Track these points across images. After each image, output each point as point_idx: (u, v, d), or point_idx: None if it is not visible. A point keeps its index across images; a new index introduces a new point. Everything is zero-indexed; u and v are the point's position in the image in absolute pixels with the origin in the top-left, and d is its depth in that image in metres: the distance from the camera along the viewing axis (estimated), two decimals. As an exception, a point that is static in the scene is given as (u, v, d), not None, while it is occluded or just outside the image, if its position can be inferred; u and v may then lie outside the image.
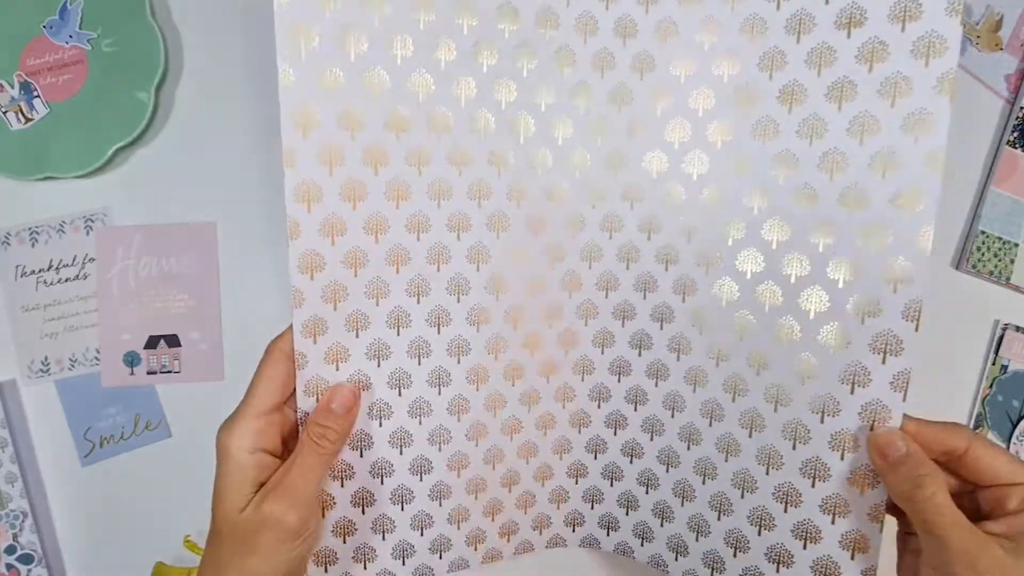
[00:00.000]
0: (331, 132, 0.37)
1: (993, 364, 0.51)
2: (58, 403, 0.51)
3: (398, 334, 0.40)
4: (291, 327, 0.39)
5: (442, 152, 0.39)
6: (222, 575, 0.36)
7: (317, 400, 0.39)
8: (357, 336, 0.40)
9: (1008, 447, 0.50)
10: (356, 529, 0.41)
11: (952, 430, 0.36)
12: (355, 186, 0.38)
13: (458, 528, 0.43)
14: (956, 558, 0.33)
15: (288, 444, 0.39)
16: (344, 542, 0.41)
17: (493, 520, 0.44)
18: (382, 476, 0.41)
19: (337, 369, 0.39)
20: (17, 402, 0.51)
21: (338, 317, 0.39)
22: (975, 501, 0.36)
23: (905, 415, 0.36)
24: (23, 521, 0.50)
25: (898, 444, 0.35)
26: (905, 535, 0.38)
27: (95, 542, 0.52)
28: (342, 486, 0.41)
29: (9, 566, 0.50)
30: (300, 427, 0.39)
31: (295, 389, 0.39)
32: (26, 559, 0.50)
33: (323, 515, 0.40)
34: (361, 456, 0.41)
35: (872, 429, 0.36)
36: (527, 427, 0.44)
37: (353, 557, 0.42)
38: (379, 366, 0.40)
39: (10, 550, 0.50)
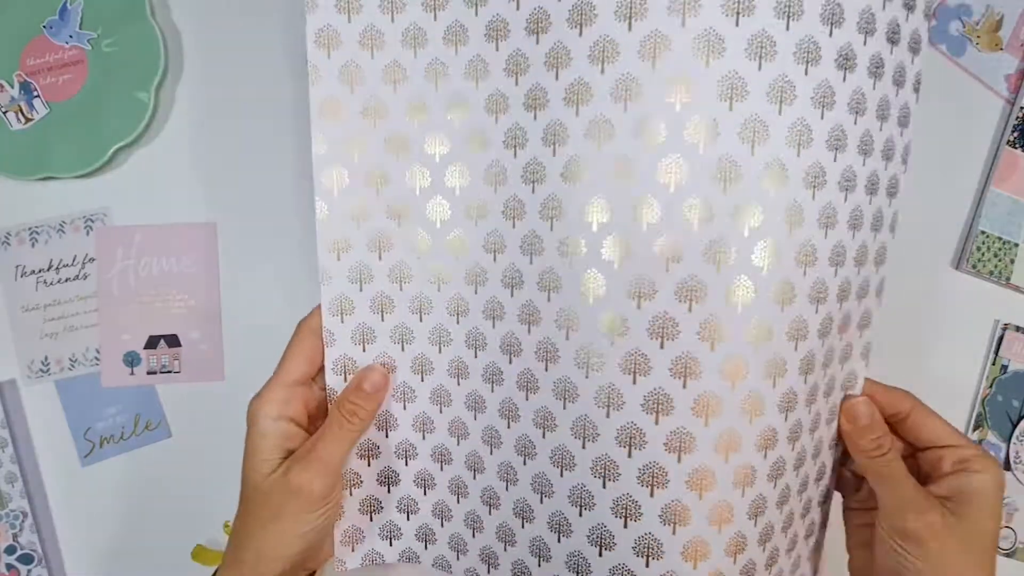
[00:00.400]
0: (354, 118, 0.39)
1: (993, 364, 0.51)
2: (58, 403, 0.51)
3: (420, 320, 0.41)
4: (319, 306, 0.41)
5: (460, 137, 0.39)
6: (250, 539, 0.38)
7: (345, 378, 0.41)
8: (382, 319, 0.41)
9: (1008, 447, 0.50)
10: (382, 507, 0.43)
11: (899, 394, 0.40)
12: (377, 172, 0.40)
13: (472, 536, 0.43)
14: (908, 504, 0.37)
15: (314, 418, 0.41)
16: (371, 519, 0.43)
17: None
18: (406, 458, 0.43)
19: (364, 350, 0.41)
20: (17, 402, 0.51)
21: (363, 298, 0.41)
22: (916, 465, 0.40)
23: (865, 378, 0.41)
24: (23, 521, 0.50)
25: (864, 411, 0.39)
26: (849, 511, 0.43)
27: (95, 542, 0.52)
28: (368, 465, 0.42)
29: (9, 566, 0.50)
30: (329, 403, 0.41)
31: (323, 365, 0.41)
32: (26, 559, 0.50)
33: (350, 492, 0.42)
34: (387, 436, 0.42)
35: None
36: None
37: (379, 534, 0.43)
38: (403, 350, 0.41)
39: (10, 550, 0.50)
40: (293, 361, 0.40)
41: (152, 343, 0.51)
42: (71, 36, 0.50)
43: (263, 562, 0.38)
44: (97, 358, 0.51)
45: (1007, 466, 0.50)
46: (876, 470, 0.39)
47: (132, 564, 0.52)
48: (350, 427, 0.39)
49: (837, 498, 0.43)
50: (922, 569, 0.37)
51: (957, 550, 0.36)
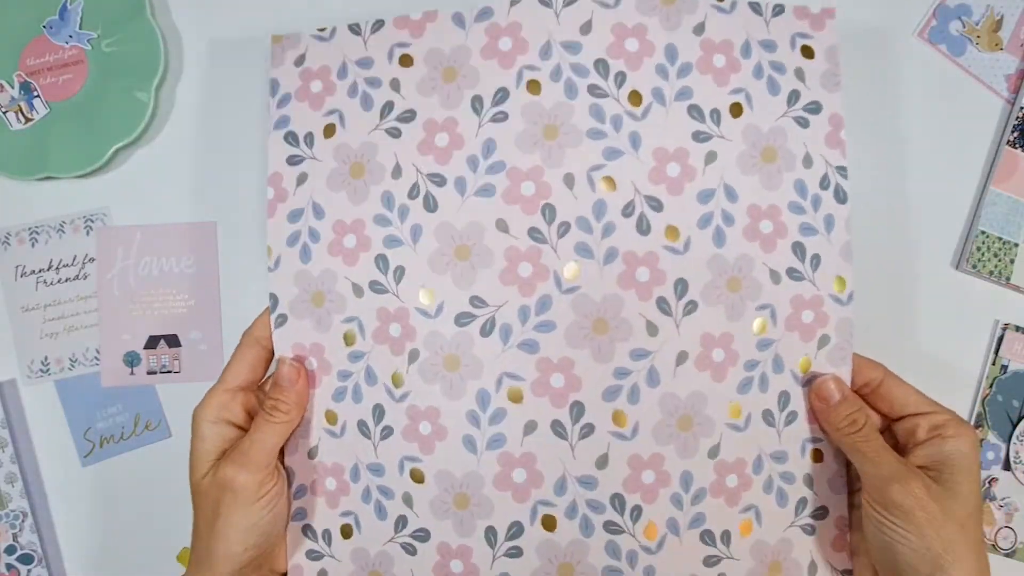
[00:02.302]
0: None
1: (993, 364, 0.51)
2: (58, 403, 0.51)
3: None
4: (261, 316, 0.43)
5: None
6: (201, 541, 0.39)
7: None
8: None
9: (1008, 447, 0.50)
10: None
11: (869, 363, 0.42)
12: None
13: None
14: (890, 477, 0.38)
15: None
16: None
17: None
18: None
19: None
20: (17, 402, 0.51)
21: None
22: (893, 437, 0.41)
23: None
24: (23, 521, 0.50)
25: (834, 388, 0.40)
26: None
27: (95, 542, 0.52)
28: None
29: (9, 566, 0.50)
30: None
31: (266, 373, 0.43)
32: (26, 559, 0.50)
33: (288, 483, 0.43)
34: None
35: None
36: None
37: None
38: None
39: (10, 550, 0.50)
40: (235, 369, 0.42)
41: (152, 343, 0.51)
42: (71, 36, 0.50)
43: (216, 562, 0.39)
44: (97, 358, 0.51)
45: (1007, 466, 0.50)
46: (854, 446, 0.39)
47: (132, 564, 0.52)
48: (274, 420, 0.40)
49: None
50: (912, 540, 0.37)
51: (943, 518, 0.37)
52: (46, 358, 0.51)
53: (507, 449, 0.40)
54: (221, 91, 0.51)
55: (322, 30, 0.43)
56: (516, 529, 0.41)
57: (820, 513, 0.42)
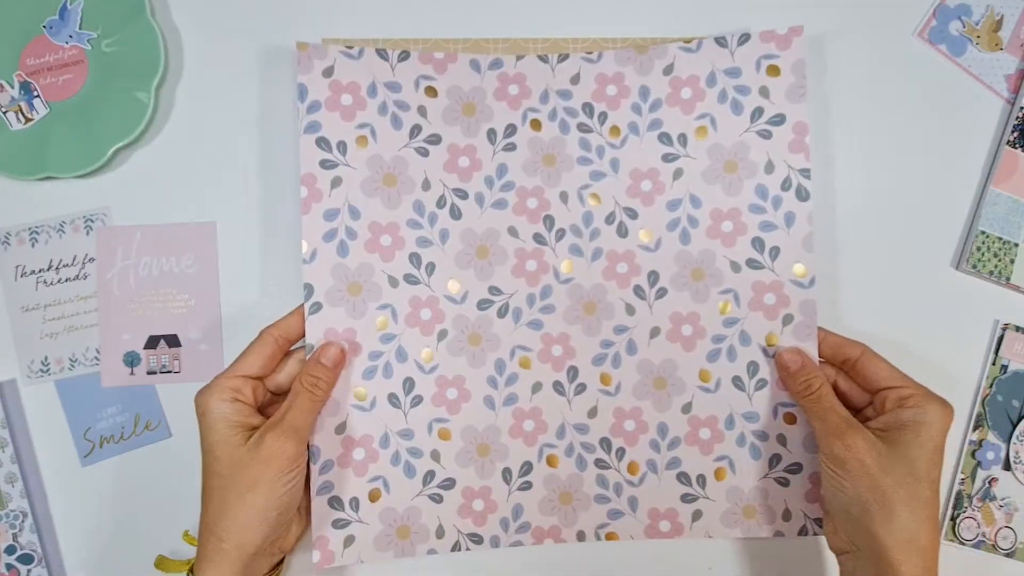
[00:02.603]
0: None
1: (993, 364, 0.51)
2: (58, 403, 0.51)
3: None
4: (284, 317, 0.47)
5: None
6: (227, 518, 0.41)
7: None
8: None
9: (1008, 447, 0.50)
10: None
11: (850, 342, 0.46)
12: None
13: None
14: (831, 433, 0.42)
15: (263, 408, 0.46)
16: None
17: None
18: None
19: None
20: (17, 402, 0.51)
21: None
22: (875, 410, 0.45)
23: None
24: (23, 521, 0.50)
25: (792, 359, 0.46)
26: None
27: (95, 542, 0.52)
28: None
29: (9, 566, 0.50)
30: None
31: (273, 369, 0.47)
32: (26, 559, 0.51)
33: (313, 460, 0.47)
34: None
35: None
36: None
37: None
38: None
39: (10, 550, 0.50)
40: (249, 360, 0.45)
41: (152, 343, 0.51)
42: (71, 36, 0.50)
43: (243, 535, 0.41)
44: (97, 358, 0.51)
45: (1007, 466, 0.50)
46: (808, 406, 0.45)
47: (132, 564, 0.52)
48: (314, 397, 0.44)
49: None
50: (847, 487, 0.41)
51: (879, 472, 0.40)
52: (46, 358, 0.51)
53: (519, 405, 0.49)
54: (221, 91, 0.51)
55: (350, 47, 0.48)
56: (527, 467, 0.49)
57: (795, 468, 0.48)
